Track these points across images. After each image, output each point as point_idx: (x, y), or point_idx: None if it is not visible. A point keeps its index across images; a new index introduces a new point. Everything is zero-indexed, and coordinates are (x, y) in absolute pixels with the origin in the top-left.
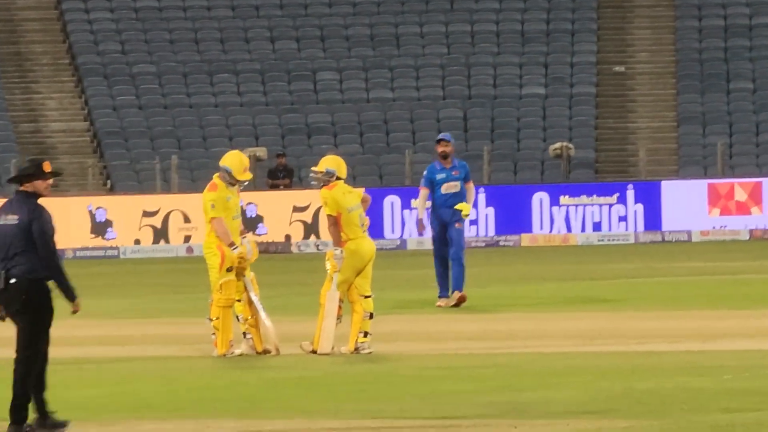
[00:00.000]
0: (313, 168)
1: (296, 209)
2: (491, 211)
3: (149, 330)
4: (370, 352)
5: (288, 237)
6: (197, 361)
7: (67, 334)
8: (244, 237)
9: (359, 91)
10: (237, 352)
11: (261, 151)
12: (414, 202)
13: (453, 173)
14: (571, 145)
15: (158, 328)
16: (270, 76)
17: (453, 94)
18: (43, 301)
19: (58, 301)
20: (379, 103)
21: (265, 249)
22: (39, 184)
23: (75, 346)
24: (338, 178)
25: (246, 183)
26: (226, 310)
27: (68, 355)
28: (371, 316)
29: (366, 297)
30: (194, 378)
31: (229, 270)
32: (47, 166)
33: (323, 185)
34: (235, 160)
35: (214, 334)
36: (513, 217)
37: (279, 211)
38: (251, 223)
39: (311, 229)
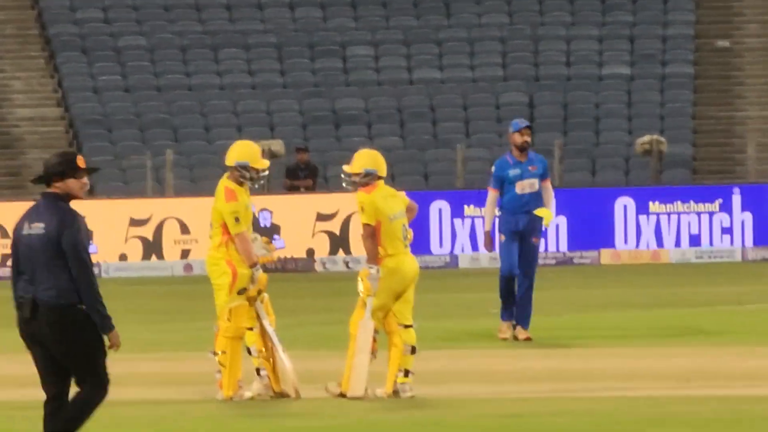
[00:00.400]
0: (345, 168)
1: (321, 217)
2: (563, 220)
3: (137, 367)
4: (413, 396)
5: (310, 252)
6: (197, 407)
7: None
8: (255, 240)
9: (399, 70)
10: (247, 394)
11: (277, 145)
12: (469, 209)
13: (530, 168)
14: (662, 139)
15: (149, 365)
16: (288, 52)
17: (516, 74)
18: (81, 330)
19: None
20: (423, 85)
21: (282, 266)
22: (72, 184)
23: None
24: (378, 178)
25: (266, 174)
26: (234, 343)
27: (38, 398)
28: (413, 350)
29: (407, 327)
30: (193, 428)
31: (240, 292)
32: (81, 161)
33: (359, 187)
34: (246, 149)
35: (219, 372)
36: (590, 228)
37: (299, 220)
38: (265, 235)
39: (339, 242)
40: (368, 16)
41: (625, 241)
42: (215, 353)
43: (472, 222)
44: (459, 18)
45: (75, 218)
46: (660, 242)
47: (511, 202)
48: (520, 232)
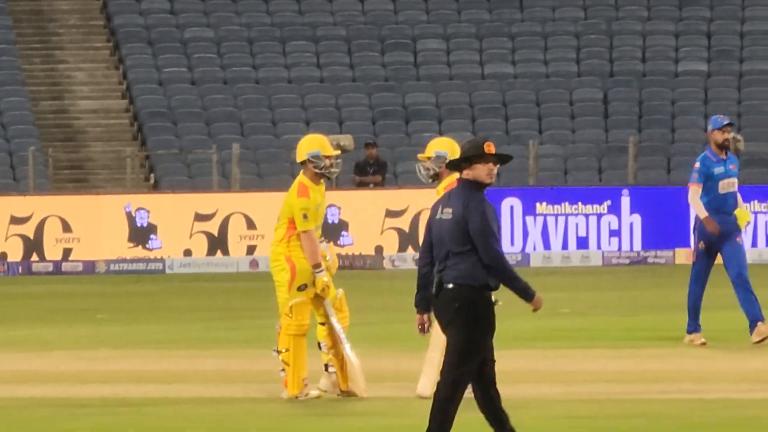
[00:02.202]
0: (419, 156)
1: (390, 214)
2: (637, 219)
3: (201, 365)
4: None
5: (379, 249)
6: (262, 405)
7: (99, 369)
8: (321, 241)
9: (471, 65)
10: (313, 393)
11: (346, 140)
12: (541, 207)
13: (730, 167)
14: (740, 137)
15: (212, 363)
16: (358, 45)
17: (590, 70)
18: (479, 313)
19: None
20: (496, 80)
21: (350, 264)
22: (479, 170)
23: (108, 383)
24: None
25: (339, 161)
26: (297, 340)
27: (99, 395)
28: None
29: None
30: (257, 427)
31: (300, 289)
32: (489, 147)
33: (435, 177)
34: (314, 140)
35: (283, 370)
36: (665, 227)
37: (368, 217)
38: (333, 232)
39: (408, 239)
40: (440, 10)
41: None
42: (278, 351)
43: (545, 220)
44: (532, 12)
45: (480, 204)
46: None
47: (713, 202)
48: (723, 233)
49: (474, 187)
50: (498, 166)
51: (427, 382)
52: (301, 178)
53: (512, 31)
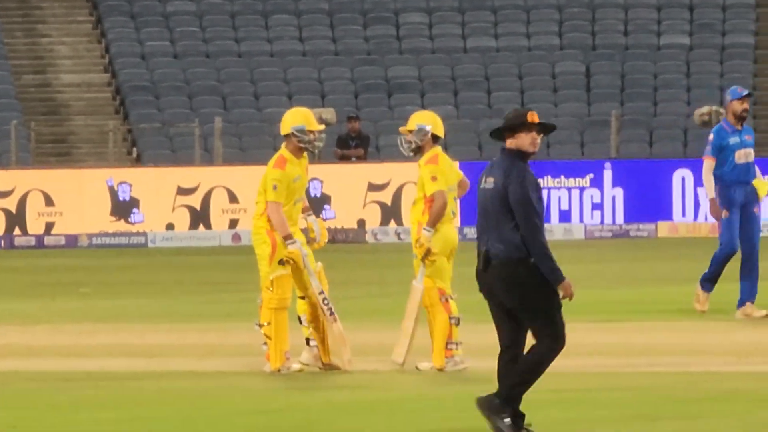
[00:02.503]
0: (401, 129)
1: (372, 187)
2: (620, 192)
3: (183, 339)
4: (466, 367)
5: (361, 223)
6: (244, 379)
7: (82, 343)
8: (309, 215)
9: (454, 38)
10: (295, 366)
11: (328, 113)
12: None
13: (746, 138)
14: (722, 110)
15: (195, 337)
16: (340, 18)
17: (573, 43)
18: (532, 283)
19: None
20: (478, 53)
21: (333, 237)
22: (522, 139)
23: (89, 357)
24: (435, 138)
25: (323, 136)
26: (279, 314)
27: (81, 368)
28: (458, 321)
29: (449, 299)
30: (240, 401)
31: (281, 263)
32: (533, 116)
33: (416, 151)
34: (300, 114)
35: (265, 344)
36: (647, 200)
37: (350, 190)
38: (316, 205)
39: (391, 212)
40: None
41: (683, 214)
42: (260, 325)
43: None
44: None
45: (521, 173)
46: None
47: (730, 173)
48: (741, 203)
49: (517, 156)
50: (542, 135)
51: (402, 350)
52: (282, 150)
53: (494, 4)
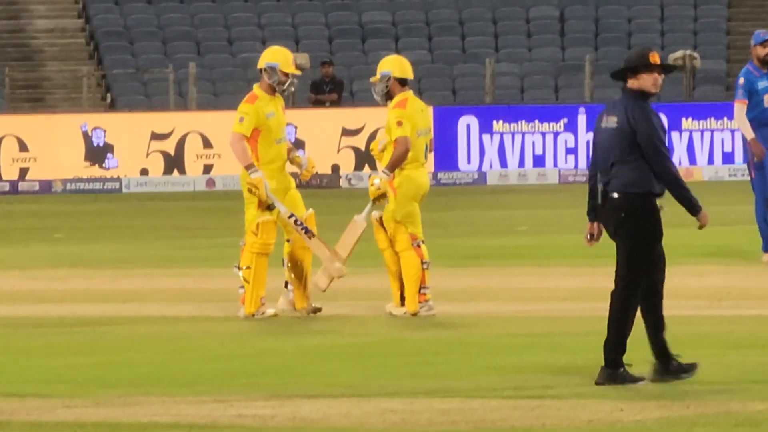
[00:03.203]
0: (371, 79)
1: (346, 132)
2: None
3: (157, 284)
4: (435, 314)
5: (335, 168)
6: (217, 324)
7: (55, 288)
8: (297, 149)
9: None
10: (270, 312)
11: (302, 58)
12: (498, 125)
13: None
14: (696, 54)
15: (169, 282)
16: None
17: None
18: (645, 220)
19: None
20: None
21: (306, 183)
22: (645, 79)
23: (63, 302)
24: (402, 82)
25: (294, 81)
26: (260, 259)
27: (54, 314)
28: (428, 266)
29: (420, 244)
30: (214, 345)
31: (269, 208)
32: (655, 57)
33: (387, 97)
34: (278, 53)
35: (242, 287)
36: None
37: (324, 135)
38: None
39: (365, 157)
40: None
41: None
42: (240, 268)
43: (501, 138)
44: None
45: (647, 112)
46: (693, 159)
47: (761, 116)
48: None
49: (640, 96)
50: (663, 75)
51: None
52: (255, 87)
53: None
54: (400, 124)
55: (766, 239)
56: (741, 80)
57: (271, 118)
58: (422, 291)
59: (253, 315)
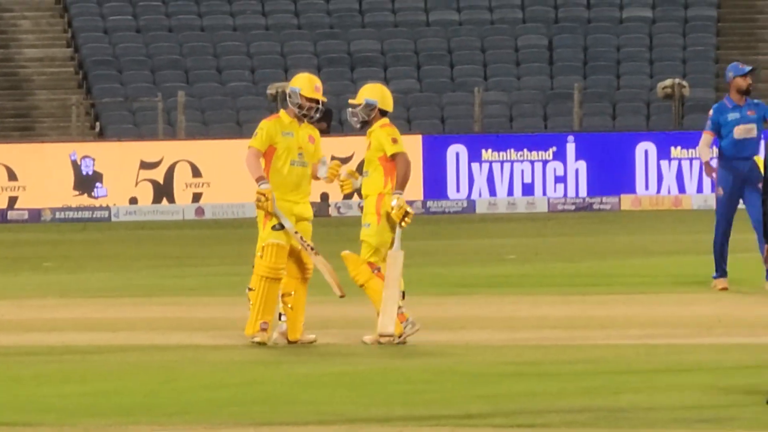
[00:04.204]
0: (350, 100)
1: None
2: (583, 165)
3: (147, 312)
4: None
5: (325, 196)
6: (207, 352)
7: (45, 317)
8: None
9: (416, 12)
10: (256, 339)
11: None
12: (487, 154)
13: (748, 113)
14: (685, 83)
15: (158, 310)
16: None
17: (535, 16)
18: None
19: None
20: (441, 27)
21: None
22: None
23: (53, 331)
24: (383, 113)
25: (316, 108)
26: (266, 283)
27: (44, 343)
28: (403, 295)
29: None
30: (203, 374)
31: (275, 228)
32: None
33: (363, 124)
34: (302, 78)
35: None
36: (610, 173)
37: None
38: None
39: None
40: None
41: (646, 187)
42: (250, 289)
43: (490, 166)
44: None
45: None
46: (682, 188)
47: (729, 148)
48: (742, 178)
49: None
50: None
51: (387, 319)
52: (282, 113)
53: None
54: (395, 141)
55: (717, 267)
56: (710, 112)
57: (289, 138)
58: (400, 311)
59: (253, 338)
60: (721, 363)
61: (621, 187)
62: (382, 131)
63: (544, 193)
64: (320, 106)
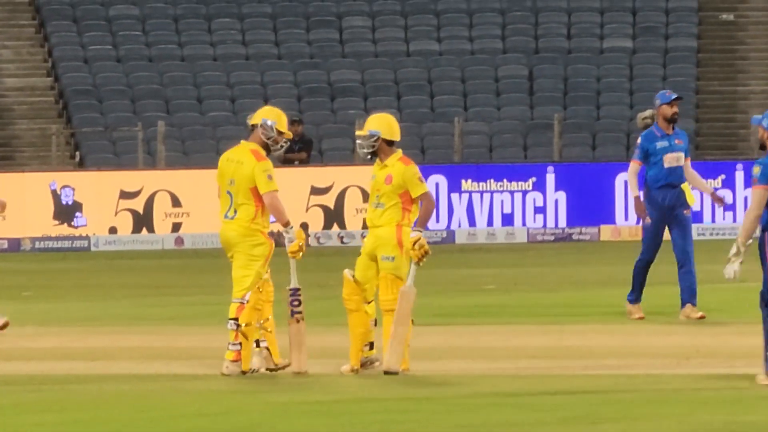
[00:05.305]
0: (357, 132)
1: (315, 191)
2: (562, 196)
3: (126, 341)
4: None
5: (304, 226)
6: (186, 382)
7: (24, 346)
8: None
9: (396, 42)
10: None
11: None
12: (466, 184)
13: (676, 142)
14: None
15: (137, 340)
16: (284, 22)
17: (515, 46)
18: None
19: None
20: (421, 57)
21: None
22: None
23: (31, 360)
24: (389, 143)
25: (285, 145)
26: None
27: (22, 372)
28: (375, 323)
29: (370, 302)
30: (182, 403)
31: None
32: None
33: (371, 155)
34: (275, 112)
35: (236, 344)
36: (590, 203)
37: (293, 194)
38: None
39: (334, 216)
40: None
41: (626, 218)
42: (238, 325)
43: (470, 197)
44: None
45: None
46: None
47: (657, 177)
48: (669, 206)
49: None
50: None
51: (394, 357)
52: (249, 144)
53: (437, 8)
54: (422, 180)
55: (632, 292)
56: (638, 140)
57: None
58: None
59: (252, 371)
60: (698, 393)
61: (600, 218)
62: (408, 170)
63: (524, 224)
64: (287, 143)
